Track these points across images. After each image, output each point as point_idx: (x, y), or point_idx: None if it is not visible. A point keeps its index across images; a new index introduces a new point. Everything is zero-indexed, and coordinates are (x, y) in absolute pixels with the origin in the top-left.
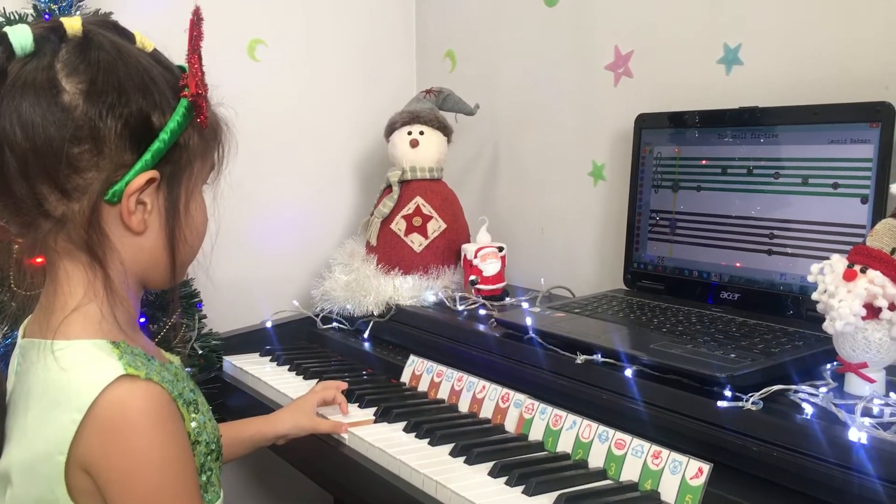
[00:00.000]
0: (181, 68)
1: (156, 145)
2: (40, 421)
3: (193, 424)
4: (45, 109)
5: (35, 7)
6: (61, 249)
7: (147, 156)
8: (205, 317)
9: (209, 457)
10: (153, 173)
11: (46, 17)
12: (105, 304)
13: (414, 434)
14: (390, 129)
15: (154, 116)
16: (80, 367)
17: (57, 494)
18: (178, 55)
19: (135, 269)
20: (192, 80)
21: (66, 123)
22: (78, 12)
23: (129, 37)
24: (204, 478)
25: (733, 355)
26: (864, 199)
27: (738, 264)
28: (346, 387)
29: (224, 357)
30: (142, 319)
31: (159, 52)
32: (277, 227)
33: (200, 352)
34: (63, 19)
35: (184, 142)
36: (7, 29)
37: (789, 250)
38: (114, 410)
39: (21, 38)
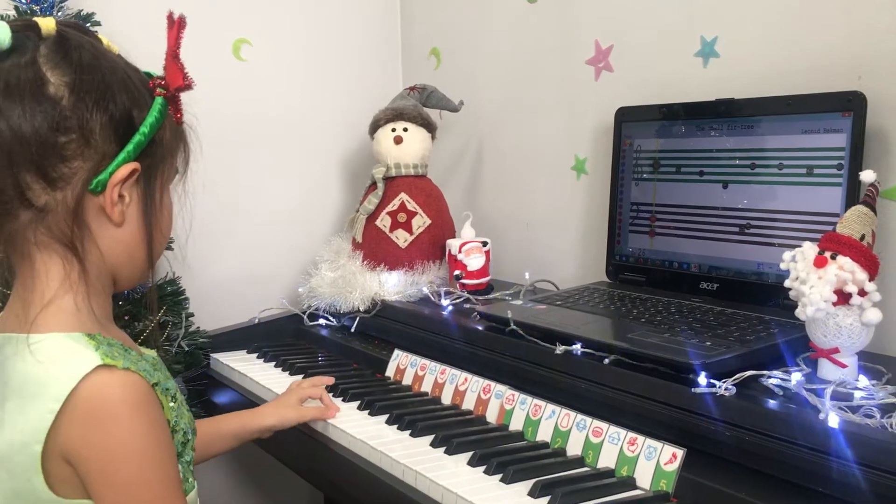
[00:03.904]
0: (147, 74)
1: (137, 138)
2: (16, 413)
3: (172, 414)
4: (30, 100)
5: (17, 8)
6: (39, 242)
7: (129, 147)
8: (192, 315)
9: (186, 445)
10: (135, 165)
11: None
12: (80, 296)
13: (396, 426)
14: (374, 127)
15: (134, 111)
16: (56, 359)
17: (34, 484)
18: (159, 56)
19: (110, 261)
20: (178, 76)
21: (52, 113)
22: (60, 13)
23: (97, 39)
24: (181, 467)
25: (709, 343)
26: (837, 188)
27: (717, 255)
28: (332, 381)
29: (211, 354)
30: (126, 318)
31: (123, 57)
32: (264, 226)
33: (187, 349)
34: (37, 19)
35: (159, 138)
36: None
37: (766, 240)
38: (93, 400)
39: (0, 34)
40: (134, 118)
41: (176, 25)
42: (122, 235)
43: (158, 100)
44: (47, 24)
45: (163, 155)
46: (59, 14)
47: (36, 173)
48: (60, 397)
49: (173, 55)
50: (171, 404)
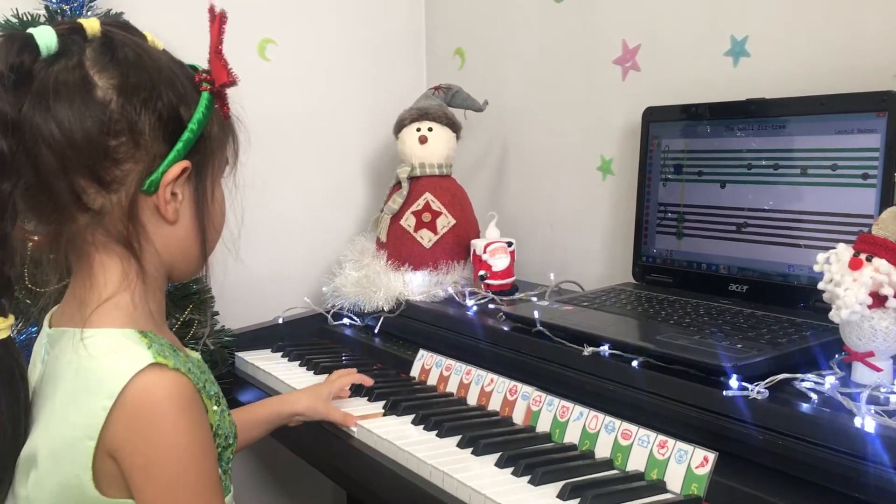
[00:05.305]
0: (192, 67)
1: (186, 135)
2: (69, 406)
3: (215, 417)
4: (80, 105)
5: (47, 8)
6: (98, 242)
7: (179, 145)
8: (217, 314)
9: (226, 450)
10: (186, 163)
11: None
12: (137, 295)
13: (422, 427)
14: (399, 126)
15: (182, 109)
16: (110, 354)
17: (82, 479)
18: (189, 53)
19: (166, 259)
20: (223, 72)
21: (102, 117)
22: (90, 13)
23: (142, 36)
24: (220, 471)
25: (739, 346)
26: (871, 189)
27: (746, 256)
28: (366, 382)
29: (236, 353)
30: None
31: (168, 52)
32: (289, 225)
33: (212, 348)
34: (81, 20)
35: (207, 133)
36: (32, 30)
37: (797, 241)
38: (142, 397)
39: (47, 38)
40: (182, 116)
41: (217, 20)
42: (177, 232)
43: (205, 95)
44: (92, 26)
45: (212, 150)
46: (89, 13)
47: (89, 177)
48: (113, 394)
49: (216, 51)
50: (215, 408)
